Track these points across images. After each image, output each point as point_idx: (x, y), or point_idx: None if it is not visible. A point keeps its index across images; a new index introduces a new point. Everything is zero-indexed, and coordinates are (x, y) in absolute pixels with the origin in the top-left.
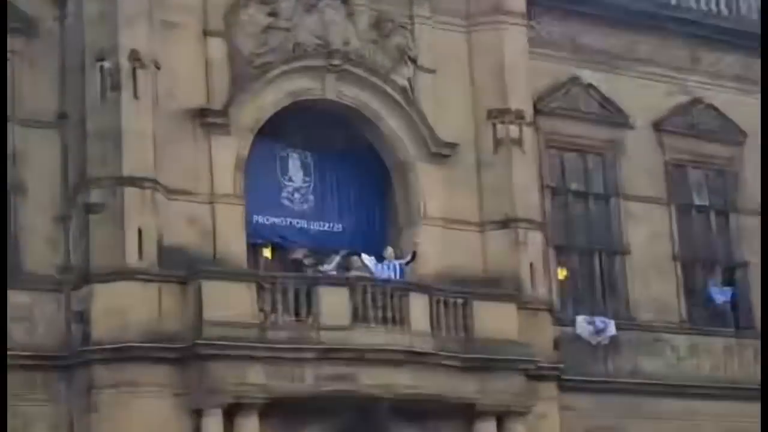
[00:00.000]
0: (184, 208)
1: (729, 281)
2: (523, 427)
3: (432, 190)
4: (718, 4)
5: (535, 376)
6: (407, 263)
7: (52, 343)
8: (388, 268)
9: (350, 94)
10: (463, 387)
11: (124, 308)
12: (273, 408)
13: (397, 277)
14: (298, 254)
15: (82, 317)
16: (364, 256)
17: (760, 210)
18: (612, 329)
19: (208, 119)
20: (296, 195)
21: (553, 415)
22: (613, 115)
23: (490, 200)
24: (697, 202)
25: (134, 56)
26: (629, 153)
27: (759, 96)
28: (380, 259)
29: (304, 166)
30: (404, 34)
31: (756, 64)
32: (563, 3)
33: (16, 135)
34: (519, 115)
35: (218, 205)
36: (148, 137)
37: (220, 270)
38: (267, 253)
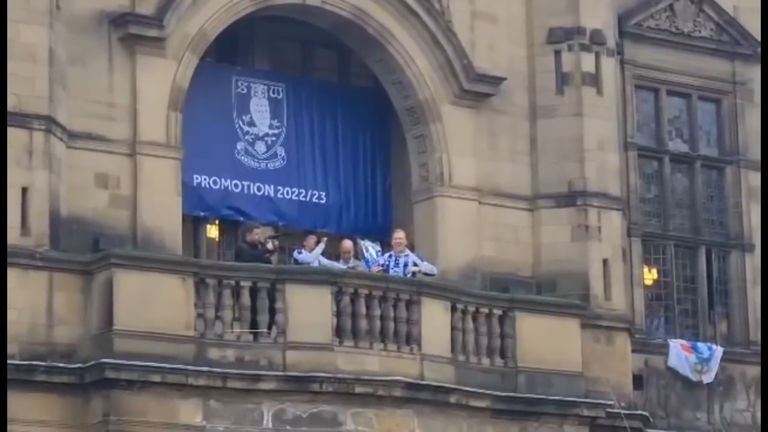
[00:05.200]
0: (92, 162)
1: None
2: None
3: (462, 145)
4: None
5: (607, 427)
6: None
7: None
8: (397, 262)
9: None
10: None
11: None
12: None
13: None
14: (259, 235)
15: None
16: (364, 241)
17: None
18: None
19: (131, 30)
20: (259, 147)
21: None
22: (735, 41)
23: (547, 164)
24: None
25: None
26: (758, 98)
27: None
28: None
29: (273, 105)
30: None
31: None
32: None
33: None
34: (595, 39)
35: (143, 158)
36: (42, 55)
37: (141, 255)
38: (212, 231)
